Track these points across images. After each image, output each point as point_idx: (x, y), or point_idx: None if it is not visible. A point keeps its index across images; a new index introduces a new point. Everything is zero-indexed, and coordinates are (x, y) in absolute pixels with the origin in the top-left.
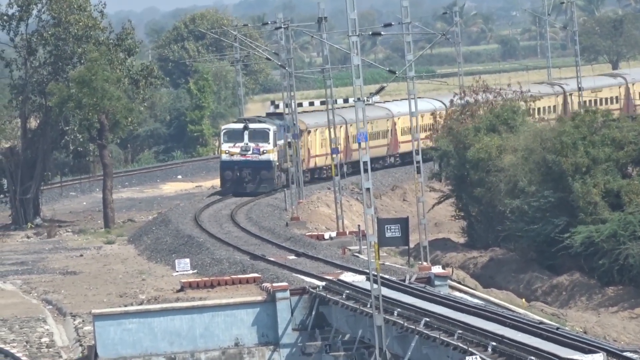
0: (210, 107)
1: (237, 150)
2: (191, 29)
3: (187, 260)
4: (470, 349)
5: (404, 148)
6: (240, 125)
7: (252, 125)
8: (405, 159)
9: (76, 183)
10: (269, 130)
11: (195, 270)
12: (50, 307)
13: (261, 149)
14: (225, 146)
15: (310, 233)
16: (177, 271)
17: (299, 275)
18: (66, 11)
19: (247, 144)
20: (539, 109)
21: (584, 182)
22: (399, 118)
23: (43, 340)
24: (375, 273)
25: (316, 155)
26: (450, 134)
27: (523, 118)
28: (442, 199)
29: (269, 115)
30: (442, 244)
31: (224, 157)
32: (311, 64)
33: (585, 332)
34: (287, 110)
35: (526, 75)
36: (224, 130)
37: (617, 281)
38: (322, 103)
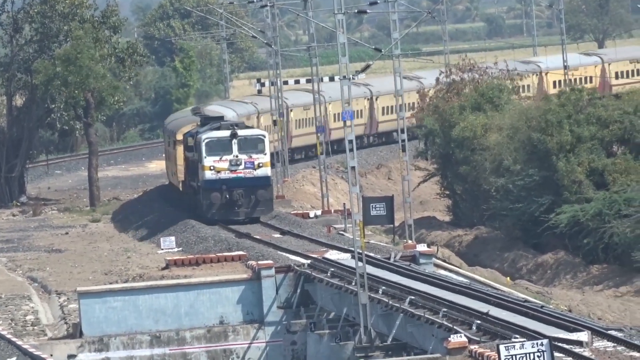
0: (196, 85)
1: (225, 165)
2: (177, 7)
3: (173, 238)
4: (455, 327)
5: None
6: (226, 133)
7: (241, 132)
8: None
9: (62, 161)
10: (264, 137)
11: (181, 248)
12: (36, 284)
13: (256, 162)
14: (209, 161)
15: (295, 211)
16: (162, 249)
17: (284, 254)
18: None
19: (237, 156)
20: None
21: (568, 160)
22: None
23: (28, 318)
24: (360, 251)
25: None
26: (435, 113)
27: (508, 96)
28: (427, 178)
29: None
30: (427, 222)
31: (208, 175)
32: (297, 42)
33: (570, 311)
34: (272, 89)
35: (512, 53)
36: (205, 140)
37: (601, 260)
38: (308, 81)
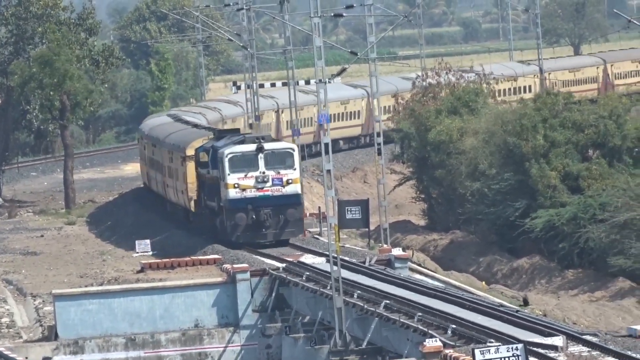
0: (171, 88)
1: (251, 182)
2: (153, 10)
3: (148, 241)
4: (430, 331)
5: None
6: (251, 147)
7: (268, 146)
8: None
9: (37, 163)
10: (293, 151)
11: (156, 251)
12: (11, 287)
13: (284, 179)
14: (233, 178)
15: None
16: (138, 252)
17: (259, 257)
18: None
19: (263, 172)
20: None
21: (540, 165)
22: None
23: (3, 320)
24: (336, 255)
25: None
26: (411, 116)
27: (484, 100)
28: (402, 181)
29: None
30: (402, 226)
31: (232, 193)
32: (273, 45)
33: (545, 315)
34: (248, 92)
35: (488, 57)
36: (228, 156)
37: (577, 264)
38: (284, 84)
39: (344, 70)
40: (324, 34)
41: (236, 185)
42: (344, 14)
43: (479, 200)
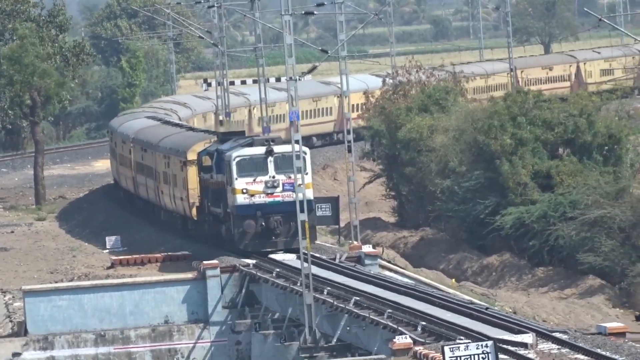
0: (142, 85)
1: (260, 187)
2: (124, 7)
3: (118, 237)
4: (399, 328)
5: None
6: (260, 150)
7: (278, 149)
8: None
9: (7, 159)
10: (305, 154)
11: (126, 248)
12: None
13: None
14: (241, 183)
15: None
16: (108, 248)
17: (229, 254)
18: None
19: (273, 177)
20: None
21: (511, 163)
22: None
23: None
24: (306, 252)
25: None
26: (382, 114)
27: (455, 98)
28: (372, 179)
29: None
30: (372, 223)
31: (240, 199)
32: (244, 43)
33: (514, 313)
34: (219, 89)
35: (458, 55)
36: (236, 159)
37: (547, 262)
38: (255, 82)
39: (314, 68)
40: (294, 31)
41: (244, 191)
42: (315, 12)
43: (449, 197)
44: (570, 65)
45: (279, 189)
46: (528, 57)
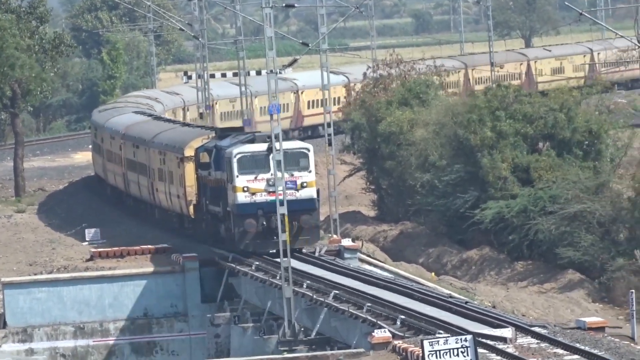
0: (123, 77)
1: (261, 185)
2: None
3: (97, 229)
4: (379, 322)
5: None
6: (262, 147)
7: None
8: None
9: None
10: (308, 151)
11: (105, 240)
12: None
13: (298, 182)
14: (241, 180)
15: None
16: (87, 240)
17: (209, 246)
18: None
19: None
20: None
21: (491, 157)
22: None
23: None
24: (285, 245)
25: None
26: (362, 107)
27: (435, 92)
28: (352, 172)
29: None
30: (352, 216)
31: (241, 197)
32: (224, 36)
33: (494, 307)
34: (199, 82)
35: (439, 49)
36: (236, 156)
37: (526, 256)
38: (235, 75)
39: (295, 61)
40: (275, 24)
41: (245, 189)
42: (296, 5)
43: (428, 191)
44: (520, 64)
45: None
46: (478, 54)
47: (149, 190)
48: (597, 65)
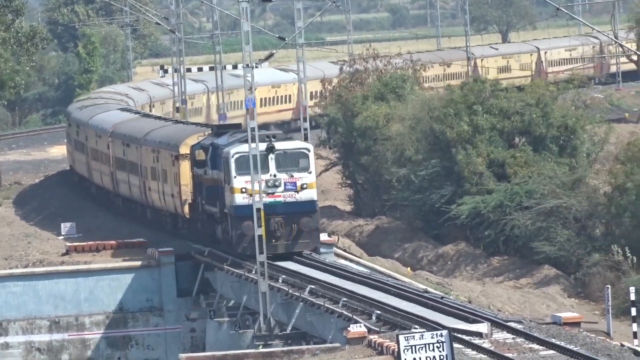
0: (99, 71)
1: (261, 186)
2: None
3: (73, 223)
4: (354, 317)
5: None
6: (261, 147)
7: (280, 145)
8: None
9: None
10: (309, 151)
11: (81, 234)
12: None
13: (298, 183)
14: (239, 181)
15: None
16: (63, 234)
17: (184, 241)
18: None
19: (274, 175)
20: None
21: (467, 152)
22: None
23: None
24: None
25: None
26: (338, 102)
27: (412, 87)
28: (329, 167)
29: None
30: (328, 211)
31: (239, 199)
32: (201, 30)
33: (470, 302)
34: (175, 76)
35: (416, 44)
36: (234, 156)
37: (502, 251)
38: (211, 69)
39: (271, 55)
40: (252, 18)
41: (243, 190)
42: None
43: (404, 186)
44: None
45: (281, 188)
46: (425, 52)
47: (141, 190)
48: (543, 64)
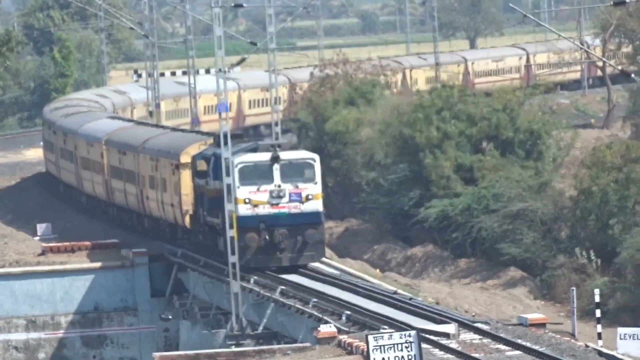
0: (74, 75)
1: (264, 197)
2: None
3: (49, 224)
4: (324, 317)
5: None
6: (265, 156)
7: (285, 155)
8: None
9: None
10: (314, 161)
11: (57, 235)
12: None
13: (303, 194)
14: (243, 192)
15: None
16: (39, 235)
17: (158, 242)
18: None
19: (279, 186)
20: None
21: (435, 156)
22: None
23: None
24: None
25: None
26: (309, 106)
27: (381, 92)
28: None
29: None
30: None
31: (242, 210)
32: (174, 35)
33: (437, 303)
34: (149, 80)
35: (385, 49)
36: (238, 166)
37: (469, 254)
38: (184, 73)
39: (243, 60)
40: (224, 24)
41: (247, 201)
42: (244, 4)
43: (374, 189)
44: (397, 72)
45: (285, 199)
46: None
47: (138, 199)
48: (470, 74)
